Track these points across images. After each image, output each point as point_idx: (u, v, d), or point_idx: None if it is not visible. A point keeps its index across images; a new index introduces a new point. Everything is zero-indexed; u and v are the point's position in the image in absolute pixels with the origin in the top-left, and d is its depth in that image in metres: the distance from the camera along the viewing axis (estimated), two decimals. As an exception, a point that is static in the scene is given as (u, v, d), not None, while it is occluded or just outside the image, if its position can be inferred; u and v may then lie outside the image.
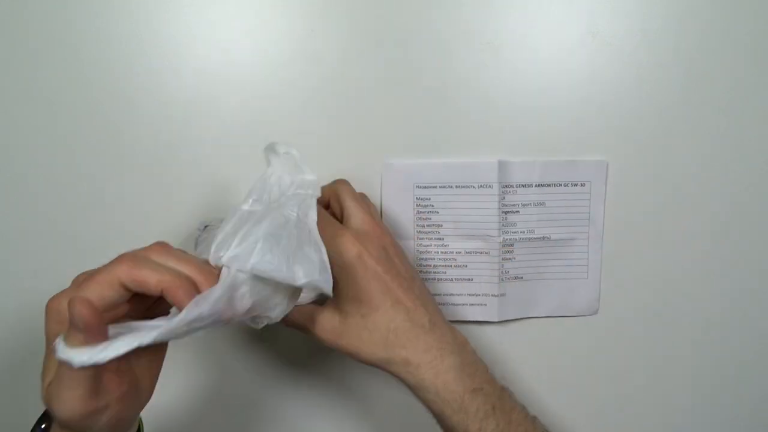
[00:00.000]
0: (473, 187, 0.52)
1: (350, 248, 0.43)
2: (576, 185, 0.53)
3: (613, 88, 0.52)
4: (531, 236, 0.54)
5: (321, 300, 0.45)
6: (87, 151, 0.52)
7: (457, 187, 0.53)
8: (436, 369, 0.42)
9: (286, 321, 0.43)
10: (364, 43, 0.51)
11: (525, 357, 0.56)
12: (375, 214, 0.48)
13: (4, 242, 0.54)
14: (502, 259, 0.53)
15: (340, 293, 0.44)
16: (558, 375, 0.57)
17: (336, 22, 0.51)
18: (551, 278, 0.55)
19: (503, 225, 0.53)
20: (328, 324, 0.44)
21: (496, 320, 0.54)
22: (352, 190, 0.48)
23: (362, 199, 0.48)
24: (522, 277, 0.54)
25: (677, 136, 0.53)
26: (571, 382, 0.57)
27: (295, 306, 0.41)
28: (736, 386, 0.57)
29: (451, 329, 0.44)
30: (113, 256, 0.51)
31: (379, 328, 0.43)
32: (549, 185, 0.53)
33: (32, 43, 0.51)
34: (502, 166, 0.52)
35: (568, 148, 0.53)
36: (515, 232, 0.53)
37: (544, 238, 0.54)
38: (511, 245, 0.53)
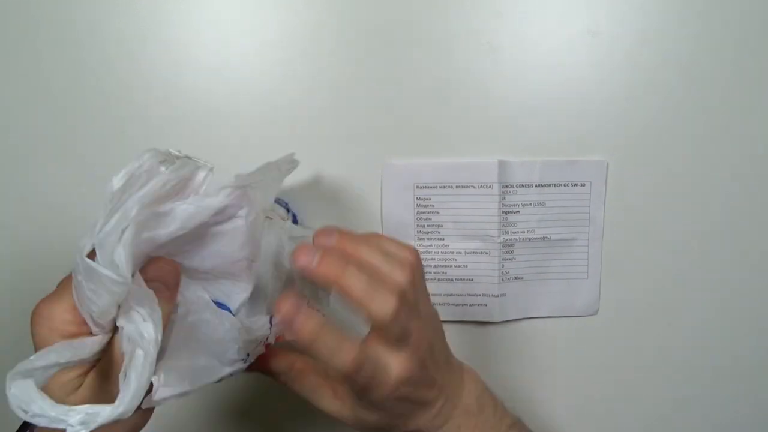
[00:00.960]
0: (473, 187, 0.52)
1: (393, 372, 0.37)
2: (576, 185, 0.53)
3: (613, 88, 0.52)
4: (531, 236, 0.54)
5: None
6: (86, 151, 0.52)
7: (457, 187, 0.52)
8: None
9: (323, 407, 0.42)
10: (364, 43, 0.51)
11: (525, 357, 0.56)
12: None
13: (5, 242, 0.54)
14: (503, 260, 0.53)
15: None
16: (558, 375, 0.57)
17: (336, 22, 0.51)
18: (551, 278, 0.55)
19: (503, 225, 0.53)
20: (336, 408, 0.42)
21: (497, 320, 0.54)
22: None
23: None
24: (522, 278, 0.54)
25: (677, 136, 0.53)
26: (572, 382, 0.57)
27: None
28: (737, 386, 0.57)
29: (457, 387, 0.43)
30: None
31: (393, 411, 0.40)
32: (549, 185, 0.53)
33: (32, 44, 0.51)
34: (502, 166, 0.52)
35: (568, 148, 0.53)
36: (515, 233, 0.53)
37: (544, 238, 0.54)
38: (512, 245, 0.53)
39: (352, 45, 0.51)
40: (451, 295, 0.54)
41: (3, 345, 0.55)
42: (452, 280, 0.54)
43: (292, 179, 0.53)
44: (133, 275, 0.29)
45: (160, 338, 0.28)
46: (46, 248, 0.54)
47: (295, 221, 0.51)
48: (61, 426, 0.27)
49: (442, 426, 0.42)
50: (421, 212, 0.53)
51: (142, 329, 0.28)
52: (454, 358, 0.44)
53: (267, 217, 0.43)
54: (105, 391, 0.31)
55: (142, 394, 0.28)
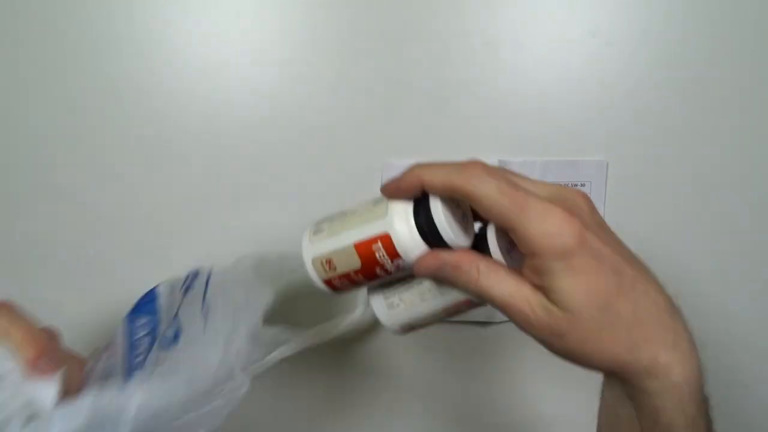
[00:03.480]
0: (474, 187, 0.52)
1: (569, 229, 0.31)
2: (576, 185, 0.53)
3: (613, 88, 0.52)
4: (531, 236, 0.54)
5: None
6: (86, 153, 0.52)
7: (457, 187, 0.52)
8: (686, 369, 0.34)
9: (490, 295, 0.34)
10: (364, 44, 0.51)
11: (525, 357, 0.56)
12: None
13: (12, 241, 0.53)
14: (503, 260, 0.53)
15: (559, 287, 0.32)
16: (558, 375, 0.57)
17: (336, 23, 0.51)
18: (552, 278, 0.55)
19: (504, 225, 0.53)
20: (546, 323, 0.34)
21: (497, 320, 0.54)
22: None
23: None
24: (522, 278, 0.54)
25: (677, 136, 0.53)
26: (571, 382, 0.57)
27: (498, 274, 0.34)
28: (738, 386, 0.57)
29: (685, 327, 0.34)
30: (114, 255, 0.51)
31: (623, 320, 0.32)
32: (549, 185, 0.53)
33: (32, 44, 0.51)
34: (502, 166, 0.52)
35: (568, 148, 0.53)
36: (516, 233, 0.53)
37: (544, 238, 0.54)
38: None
39: (352, 45, 0.51)
40: (451, 295, 0.54)
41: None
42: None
43: (292, 179, 0.53)
44: None
45: None
46: (48, 247, 0.54)
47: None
48: None
49: (686, 362, 0.33)
50: (421, 212, 0.53)
51: None
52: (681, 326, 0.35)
53: None
54: None
55: None
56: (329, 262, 0.38)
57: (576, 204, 0.33)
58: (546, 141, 0.53)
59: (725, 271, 0.55)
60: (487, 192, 0.32)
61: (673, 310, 0.34)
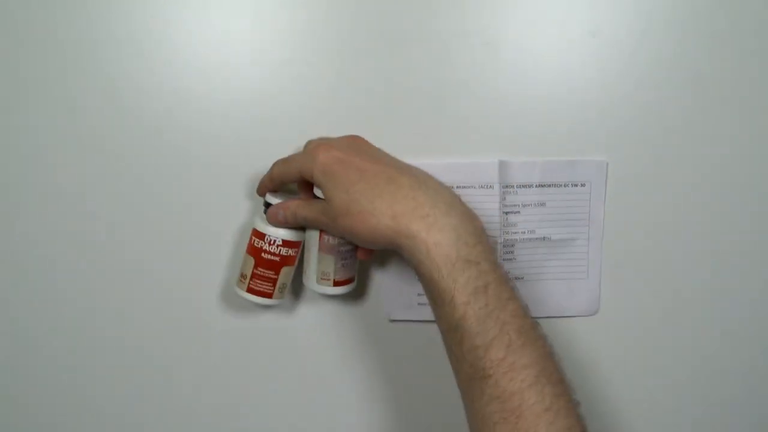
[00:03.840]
0: (474, 187, 0.52)
1: (319, 156, 0.45)
2: (576, 185, 0.53)
3: (613, 89, 0.52)
4: (531, 236, 0.54)
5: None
6: (86, 152, 0.52)
7: (458, 187, 0.52)
8: (429, 229, 0.42)
9: (305, 218, 0.47)
10: (364, 44, 0.51)
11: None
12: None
13: (11, 242, 0.53)
14: (503, 260, 0.53)
15: (328, 195, 0.45)
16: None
17: (336, 23, 0.51)
18: (552, 278, 0.55)
19: (504, 225, 0.53)
20: (331, 215, 0.45)
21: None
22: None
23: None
24: (523, 278, 0.54)
25: (677, 136, 0.53)
26: (572, 383, 0.57)
27: (304, 204, 0.48)
28: (738, 385, 0.57)
29: (450, 195, 0.45)
30: (114, 257, 0.52)
31: (369, 203, 0.43)
32: (549, 185, 0.53)
33: (32, 44, 0.51)
34: (502, 166, 0.52)
35: (568, 148, 0.53)
36: (516, 233, 0.53)
37: (544, 238, 0.54)
38: (512, 245, 0.53)
39: (352, 45, 0.51)
40: (451, 295, 0.54)
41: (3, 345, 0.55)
42: None
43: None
44: None
45: None
46: (49, 245, 0.54)
47: None
48: None
49: (436, 221, 0.42)
50: (421, 212, 0.53)
51: None
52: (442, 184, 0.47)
53: None
54: None
55: None
56: (242, 275, 0.50)
57: (336, 141, 0.48)
58: (546, 141, 0.53)
59: (725, 271, 0.56)
60: (281, 169, 0.48)
61: (418, 191, 0.43)
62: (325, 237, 0.49)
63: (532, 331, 0.42)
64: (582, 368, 0.57)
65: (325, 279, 0.50)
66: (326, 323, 0.55)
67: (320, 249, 0.49)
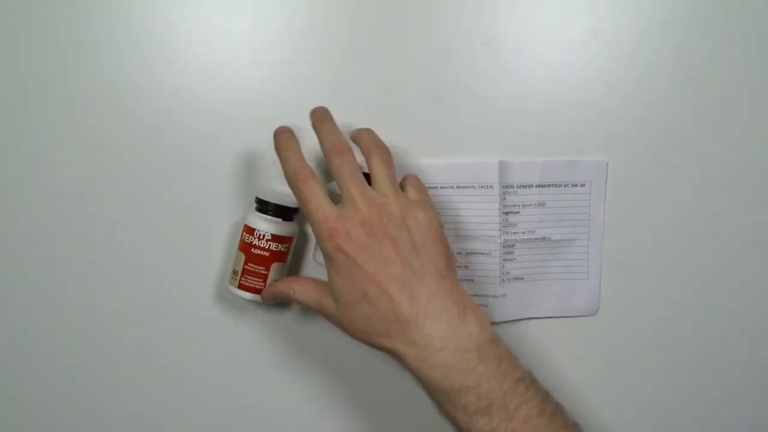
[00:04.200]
0: (474, 187, 0.52)
1: (326, 243, 0.42)
2: (576, 185, 0.53)
3: (614, 89, 0.52)
4: (531, 237, 0.54)
5: None
6: (86, 152, 0.52)
7: (457, 187, 0.52)
8: (421, 364, 0.42)
9: (300, 302, 0.47)
10: (364, 44, 0.51)
11: (525, 357, 0.56)
12: (380, 185, 0.45)
13: (11, 242, 0.53)
14: (503, 260, 0.53)
15: (329, 281, 0.44)
16: (558, 375, 0.57)
17: (336, 23, 0.51)
18: (552, 279, 0.55)
19: (504, 225, 0.53)
20: (327, 309, 0.45)
21: (497, 321, 0.54)
22: (352, 167, 0.44)
23: (378, 162, 0.45)
24: (523, 278, 0.54)
25: (677, 136, 0.53)
26: (572, 383, 0.57)
27: (304, 288, 0.47)
28: (737, 386, 0.57)
29: (451, 320, 0.42)
30: (114, 257, 0.52)
31: (365, 317, 0.43)
32: (549, 186, 0.53)
33: (32, 44, 0.51)
34: (502, 166, 0.52)
35: (568, 148, 0.53)
36: (516, 233, 0.53)
37: (544, 238, 0.54)
38: (512, 246, 0.53)
39: (352, 45, 0.51)
40: (451, 295, 0.54)
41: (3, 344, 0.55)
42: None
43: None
44: None
45: None
46: (49, 245, 0.54)
47: None
48: None
49: (428, 358, 0.41)
50: (421, 212, 0.53)
51: None
52: (454, 290, 0.44)
53: None
54: None
55: None
56: (234, 271, 0.50)
57: (347, 221, 0.43)
58: (546, 141, 0.53)
59: (726, 271, 0.55)
60: (301, 187, 0.45)
61: (415, 330, 0.42)
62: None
63: (549, 427, 0.41)
64: (582, 368, 0.57)
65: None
66: (321, 320, 0.55)
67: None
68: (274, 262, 0.50)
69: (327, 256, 0.43)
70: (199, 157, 0.52)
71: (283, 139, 0.47)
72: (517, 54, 0.52)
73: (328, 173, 0.48)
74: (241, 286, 0.50)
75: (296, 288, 0.47)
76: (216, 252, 0.54)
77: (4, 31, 0.51)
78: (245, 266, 0.50)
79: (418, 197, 0.46)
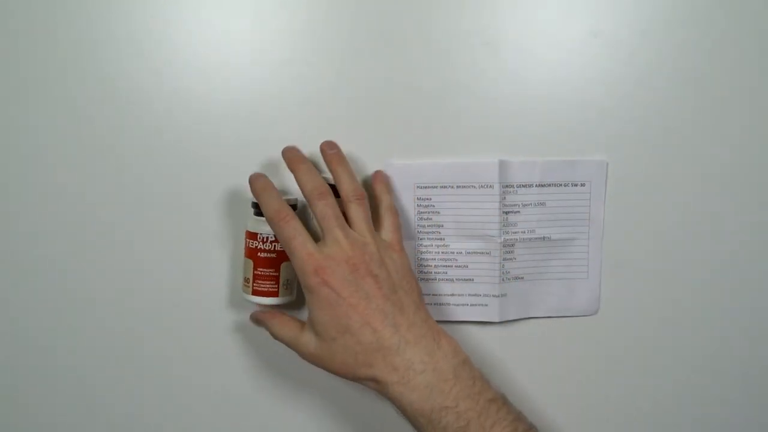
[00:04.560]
0: (474, 187, 0.52)
1: (311, 278, 0.45)
2: (576, 185, 0.53)
3: (614, 88, 0.52)
4: (531, 236, 0.54)
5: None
6: (86, 153, 0.52)
7: (457, 187, 0.52)
8: (403, 388, 0.44)
9: (277, 336, 0.49)
10: (364, 44, 0.51)
11: (525, 357, 0.56)
12: (358, 228, 0.47)
13: (11, 242, 0.53)
14: (503, 260, 0.53)
15: (310, 316, 0.46)
16: (558, 375, 0.57)
17: (336, 23, 0.51)
18: (552, 278, 0.55)
19: (504, 225, 0.53)
20: (306, 346, 0.47)
21: (497, 320, 0.54)
22: (335, 209, 0.47)
23: (356, 208, 0.48)
24: (522, 278, 0.54)
25: (677, 136, 0.53)
26: (572, 383, 0.57)
27: (282, 323, 0.49)
28: (737, 385, 0.57)
29: (428, 345, 0.45)
30: (114, 257, 0.52)
31: (348, 350, 0.45)
32: (549, 185, 0.53)
33: (32, 44, 0.51)
34: (502, 166, 0.52)
35: (568, 148, 0.53)
36: (516, 233, 0.53)
37: (544, 238, 0.54)
38: (512, 245, 0.53)
39: (352, 45, 0.51)
40: (452, 295, 0.54)
41: (4, 345, 0.55)
42: (453, 280, 0.54)
43: (293, 179, 0.53)
44: None
45: None
46: (48, 247, 0.54)
47: None
48: None
49: (409, 381, 0.44)
50: (421, 212, 0.53)
51: None
52: (428, 319, 0.47)
53: None
54: None
55: None
56: (245, 279, 0.51)
57: (332, 261, 0.45)
58: (546, 141, 0.53)
59: (726, 271, 0.55)
60: (279, 229, 0.47)
61: (395, 356, 0.44)
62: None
63: None
64: (582, 368, 0.57)
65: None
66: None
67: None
68: (282, 261, 0.50)
69: (310, 291, 0.45)
70: (199, 157, 0.52)
71: (259, 182, 0.48)
72: (517, 54, 0.52)
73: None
74: (255, 293, 0.50)
75: (275, 323, 0.49)
76: (215, 251, 0.54)
77: (4, 31, 0.51)
78: (255, 272, 0.50)
79: (392, 238, 0.49)
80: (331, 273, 0.45)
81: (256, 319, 0.52)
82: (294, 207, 0.50)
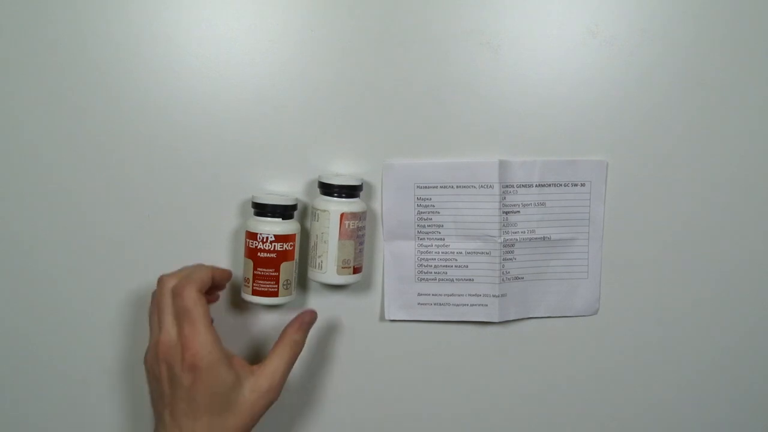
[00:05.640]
0: (474, 187, 0.52)
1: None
2: (576, 185, 0.53)
3: (613, 88, 0.52)
4: (531, 236, 0.54)
5: None
6: (87, 153, 0.52)
7: (457, 187, 0.52)
8: None
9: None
10: (364, 44, 0.51)
11: (525, 357, 0.56)
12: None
13: (11, 242, 0.53)
14: (503, 260, 0.53)
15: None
16: (558, 375, 0.57)
17: (336, 23, 0.51)
18: (551, 278, 0.55)
19: (504, 225, 0.53)
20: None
21: (497, 320, 0.54)
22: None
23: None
24: (522, 278, 0.54)
25: (677, 136, 0.53)
26: (572, 382, 0.57)
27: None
28: (737, 386, 0.57)
29: None
30: (114, 256, 0.51)
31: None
32: (549, 185, 0.53)
33: (32, 45, 0.51)
34: (502, 166, 0.52)
35: (568, 148, 0.53)
36: (516, 233, 0.53)
37: (544, 238, 0.54)
38: (512, 245, 0.53)
39: (352, 45, 0.51)
40: (451, 295, 0.54)
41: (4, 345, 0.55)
42: (453, 280, 0.54)
43: (294, 179, 0.53)
44: None
45: None
46: (47, 246, 0.53)
47: None
48: None
49: None
50: (421, 212, 0.53)
51: None
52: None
53: None
54: None
55: None
56: (245, 279, 0.51)
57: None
58: (546, 141, 0.53)
59: (725, 270, 0.56)
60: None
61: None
62: (346, 222, 0.49)
63: None
64: (582, 368, 0.57)
65: (346, 267, 0.50)
66: (325, 323, 0.55)
67: (341, 235, 0.49)
68: (282, 262, 0.50)
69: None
70: (199, 157, 0.52)
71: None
72: (517, 54, 0.52)
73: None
74: (255, 293, 0.50)
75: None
76: (215, 251, 0.54)
77: (4, 31, 0.51)
78: (255, 272, 0.50)
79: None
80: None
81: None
82: (294, 207, 0.51)
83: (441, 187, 0.53)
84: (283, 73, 0.52)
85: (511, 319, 0.55)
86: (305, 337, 0.50)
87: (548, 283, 0.55)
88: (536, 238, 0.54)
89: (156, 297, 0.47)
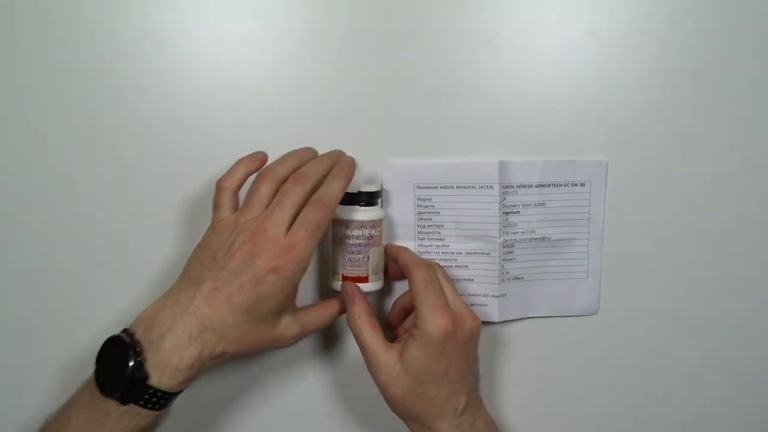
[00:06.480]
0: (474, 187, 0.52)
1: (443, 325, 0.45)
2: (576, 185, 0.54)
3: (613, 88, 0.52)
4: (531, 236, 0.54)
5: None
6: (86, 153, 0.52)
7: (457, 187, 0.52)
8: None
9: (364, 342, 0.47)
10: (364, 43, 0.51)
11: (525, 357, 0.56)
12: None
13: (11, 242, 0.53)
14: (503, 260, 0.53)
15: (413, 354, 0.45)
16: (558, 375, 0.57)
17: (336, 23, 0.51)
18: (551, 278, 0.55)
19: (504, 225, 0.53)
20: (387, 369, 0.46)
21: (497, 320, 0.54)
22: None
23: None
24: (522, 278, 0.54)
25: (677, 136, 0.53)
26: (571, 382, 0.57)
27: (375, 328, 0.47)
28: (737, 385, 0.57)
29: (481, 421, 0.49)
30: (114, 256, 0.51)
31: (426, 398, 0.46)
32: (549, 185, 0.53)
33: (32, 45, 0.51)
34: (502, 166, 0.52)
35: (568, 148, 0.53)
36: (516, 233, 0.53)
37: (544, 238, 0.54)
38: (512, 246, 0.53)
39: (352, 46, 0.51)
40: (451, 295, 0.54)
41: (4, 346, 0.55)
42: (453, 280, 0.54)
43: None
44: None
45: None
46: (48, 246, 0.54)
47: None
48: None
49: None
50: (421, 212, 0.53)
51: None
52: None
53: None
54: None
55: None
56: (334, 266, 0.50)
57: (462, 323, 0.47)
58: (546, 141, 0.53)
59: (725, 270, 0.56)
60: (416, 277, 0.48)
61: (463, 412, 0.47)
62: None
63: None
64: (582, 368, 0.57)
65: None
66: (339, 325, 0.55)
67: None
68: (371, 247, 0.50)
69: (430, 336, 0.45)
70: (199, 157, 0.52)
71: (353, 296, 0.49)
72: (517, 54, 0.52)
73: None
74: (344, 278, 0.50)
75: (368, 330, 0.47)
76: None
77: (4, 31, 0.51)
78: (343, 259, 0.50)
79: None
80: (460, 332, 0.46)
81: (354, 299, 0.49)
82: (379, 194, 0.51)
83: (441, 187, 0.53)
84: (283, 73, 0.52)
85: (511, 318, 0.55)
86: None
87: (548, 283, 0.55)
88: (536, 239, 0.54)
89: (287, 183, 0.45)
